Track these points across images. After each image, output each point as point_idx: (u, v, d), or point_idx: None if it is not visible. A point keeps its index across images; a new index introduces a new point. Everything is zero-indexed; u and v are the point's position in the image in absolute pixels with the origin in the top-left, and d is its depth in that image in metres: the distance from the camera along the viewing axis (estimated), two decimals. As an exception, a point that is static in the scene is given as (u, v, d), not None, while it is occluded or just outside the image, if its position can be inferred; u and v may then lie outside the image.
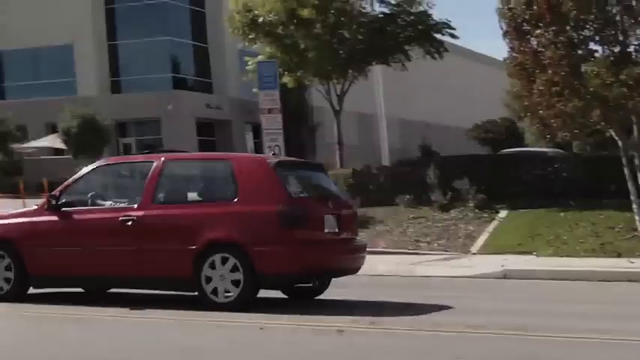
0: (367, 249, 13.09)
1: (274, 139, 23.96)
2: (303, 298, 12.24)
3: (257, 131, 48.13)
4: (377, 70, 36.32)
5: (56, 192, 12.36)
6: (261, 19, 29.10)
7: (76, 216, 12.03)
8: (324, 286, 12.37)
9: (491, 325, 9.88)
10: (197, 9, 57.01)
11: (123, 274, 11.76)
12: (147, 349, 8.97)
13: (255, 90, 26.11)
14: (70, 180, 12.66)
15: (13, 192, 38.87)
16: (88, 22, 53.97)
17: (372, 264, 14.89)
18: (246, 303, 10.92)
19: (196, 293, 11.27)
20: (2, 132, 47.93)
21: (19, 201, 31.56)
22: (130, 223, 11.49)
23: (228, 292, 11.01)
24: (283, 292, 12.24)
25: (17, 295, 12.11)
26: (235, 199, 11.25)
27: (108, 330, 10.19)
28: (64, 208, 12.10)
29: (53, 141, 50.13)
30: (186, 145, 51.83)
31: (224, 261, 11.03)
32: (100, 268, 11.84)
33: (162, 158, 12.02)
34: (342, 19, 29.49)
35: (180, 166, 12.41)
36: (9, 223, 12.60)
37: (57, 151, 51.13)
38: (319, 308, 11.49)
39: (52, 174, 40.16)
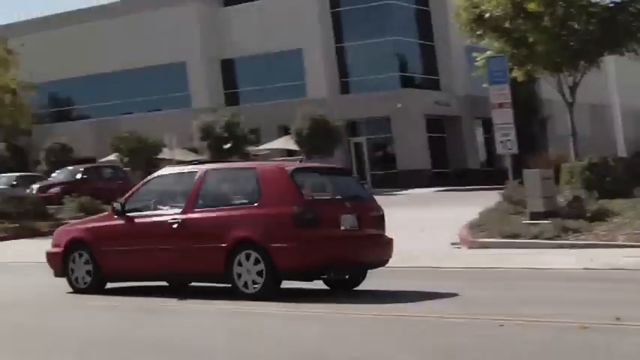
0: (607, 242, 12.90)
1: (506, 133, 23.78)
2: (342, 289, 13.36)
3: (487, 126, 47.85)
4: (609, 61, 35.15)
5: (122, 200, 14.26)
6: (487, 15, 28.84)
7: (136, 220, 13.89)
8: (360, 278, 13.46)
9: None
10: (422, 8, 57.28)
11: (172, 270, 13.54)
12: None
13: (485, 85, 25.94)
14: (133, 189, 14.70)
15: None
16: (316, 27, 55.40)
17: (611, 257, 14.47)
18: (270, 293, 12.36)
19: (230, 285, 12.78)
20: (237, 135, 49.89)
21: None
22: (175, 225, 13.27)
23: (256, 283, 12.46)
24: (325, 284, 13.43)
25: (96, 287, 14.09)
26: (258, 203, 12.77)
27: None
28: (127, 214, 13.94)
29: (285, 142, 51.70)
30: (416, 142, 52.51)
31: (248, 257, 12.51)
32: (155, 264, 13.63)
33: (204, 169, 13.83)
34: (571, 10, 28.75)
35: (217, 175, 13.87)
36: (84, 227, 14.76)
37: (290, 153, 52.73)
38: (352, 297, 12.80)
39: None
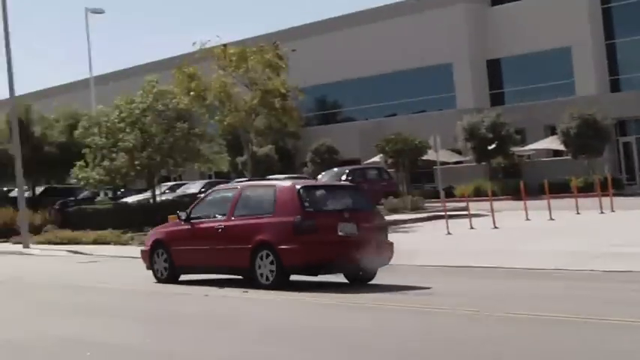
0: None
1: None
2: (360, 283, 16.19)
3: None
4: None
5: (188, 210, 18.11)
6: None
7: (196, 225, 17.56)
8: (372, 275, 16.37)
9: None
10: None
11: (218, 264, 17.00)
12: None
13: None
14: (197, 201, 19.02)
15: (514, 194, 39.68)
16: (586, 24, 53.53)
17: None
18: (280, 284, 15.50)
19: (253, 278, 16.03)
20: (503, 136, 49.16)
21: (519, 202, 32.08)
22: (220, 230, 16.84)
23: (270, 276, 15.71)
24: (346, 279, 16.47)
25: (170, 279, 17.78)
26: (274, 213, 16.09)
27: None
28: (191, 220, 17.71)
29: (551, 143, 50.37)
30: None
31: (265, 255, 15.79)
32: (207, 259, 17.13)
33: (242, 186, 17.87)
34: None
35: (250, 191, 17.30)
36: (163, 231, 18.77)
37: (556, 153, 51.31)
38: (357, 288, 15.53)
39: (551, 175, 40.38)
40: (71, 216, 39.31)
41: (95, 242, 32.30)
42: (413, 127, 51.26)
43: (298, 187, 16.26)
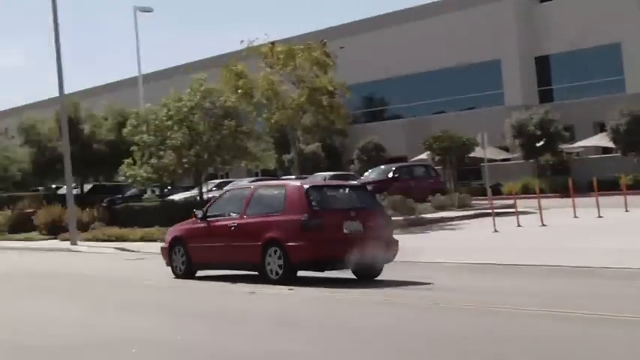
0: None
1: None
2: (366, 278, 16.73)
3: None
4: None
5: (204, 208, 19.07)
6: None
7: (211, 224, 18.33)
8: (378, 271, 16.87)
9: None
10: None
11: (231, 260, 17.73)
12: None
13: None
14: (212, 200, 19.97)
15: (562, 191, 39.30)
16: (636, 19, 52.83)
17: None
18: (288, 279, 16.16)
19: (263, 273, 16.78)
20: (551, 133, 48.74)
21: (567, 200, 31.77)
22: (233, 228, 17.60)
23: (279, 271, 16.41)
24: (354, 274, 16.89)
25: (186, 275, 18.54)
26: (283, 212, 16.77)
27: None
28: (207, 219, 18.45)
29: (600, 140, 49.84)
30: None
31: (274, 252, 16.51)
32: (221, 256, 17.86)
33: (254, 185, 19.12)
34: None
35: (262, 191, 18.24)
36: (181, 228, 19.47)
37: (605, 150, 50.74)
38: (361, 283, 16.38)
39: (600, 172, 39.93)
40: (119, 213, 39.66)
41: (142, 239, 32.55)
42: (460, 125, 51.02)
43: (306, 187, 17.16)
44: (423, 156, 51.73)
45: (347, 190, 18.46)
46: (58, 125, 42.57)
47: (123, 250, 30.15)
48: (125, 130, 40.52)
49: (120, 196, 47.64)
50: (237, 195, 18.72)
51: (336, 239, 16.22)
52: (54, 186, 59.15)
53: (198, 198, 40.54)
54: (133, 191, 47.61)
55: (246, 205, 17.64)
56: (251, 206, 17.54)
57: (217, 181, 48.55)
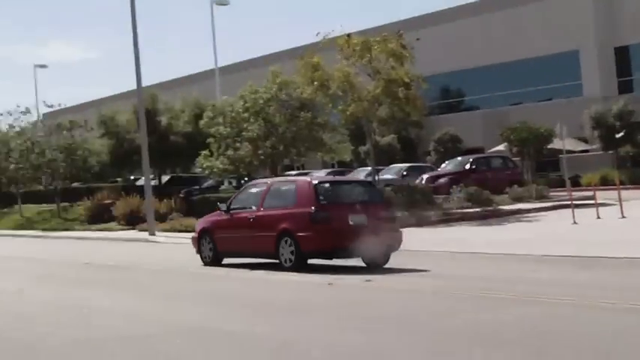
0: None
1: None
2: (375, 267, 17.98)
3: None
4: None
5: (228, 202, 20.79)
6: None
7: (234, 216, 20.09)
8: (386, 259, 18.29)
9: None
10: None
11: (250, 249, 19.42)
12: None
13: None
14: (235, 194, 22.25)
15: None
16: None
17: None
18: (299, 267, 17.70)
19: (276, 261, 18.36)
20: (631, 124, 47.86)
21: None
22: (251, 220, 19.31)
23: (290, 259, 17.94)
24: (364, 263, 18.22)
25: (213, 262, 20.29)
26: (294, 205, 18.38)
27: None
28: (230, 211, 20.25)
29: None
30: None
31: (286, 242, 18.02)
32: (242, 245, 19.59)
33: (271, 181, 20.76)
34: None
35: (277, 186, 19.77)
36: (209, 220, 21.26)
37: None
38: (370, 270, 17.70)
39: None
40: (195, 204, 40.03)
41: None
42: (538, 116, 50.30)
43: (315, 182, 18.83)
44: (501, 147, 51.14)
45: (353, 185, 20.69)
46: (135, 117, 43.16)
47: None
48: (202, 122, 40.96)
49: (197, 187, 48.12)
50: (256, 190, 20.28)
51: (342, 230, 17.71)
52: (132, 177, 60.08)
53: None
54: (209, 182, 48.04)
55: (262, 199, 19.38)
56: (267, 200, 19.26)
57: (293, 172, 48.68)
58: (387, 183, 38.17)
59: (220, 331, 10.62)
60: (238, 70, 65.45)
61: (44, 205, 52.50)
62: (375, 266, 18.00)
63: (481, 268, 17.46)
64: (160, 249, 28.34)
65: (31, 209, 52.31)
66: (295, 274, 17.07)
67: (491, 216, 31.67)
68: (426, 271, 16.53)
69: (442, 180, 38.85)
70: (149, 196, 35.43)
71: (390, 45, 34.57)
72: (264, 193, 19.49)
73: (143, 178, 39.06)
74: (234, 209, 20.21)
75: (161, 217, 37.13)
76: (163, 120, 50.35)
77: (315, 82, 35.23)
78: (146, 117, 37.44)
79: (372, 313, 11.63)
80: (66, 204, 49.20)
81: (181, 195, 44.01)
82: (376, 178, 38.03)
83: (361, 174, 43.16)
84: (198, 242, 20.98)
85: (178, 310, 12.84)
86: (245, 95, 38.55)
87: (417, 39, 36.00)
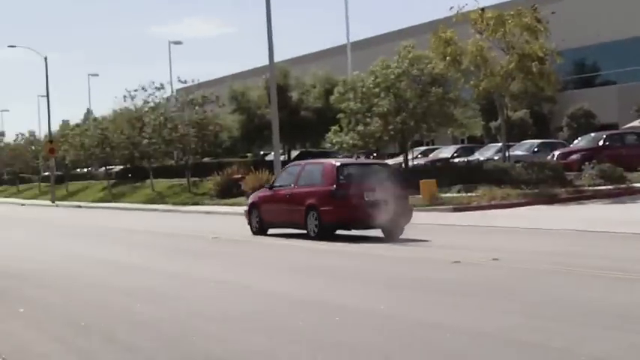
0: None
1: None
2: (391, 238, 20.24)
3: None
4: None
5: (272, 180, 24.81)
6: None
7: (275, 192, 22.96)
8: (400, 232, 20.46)
9: None
10: None
11: (286, 220, 22.34)
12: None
13: None
14: (279, 173, 25.95)
15: None
16: None
17: None
18: (323, 237, 20.46)
19: (305, 231, 21.20)
20: None
21: None
22: (287, 196, 22.18)
23: (315, 230, 20.84)
24: (383, 234, 20.63)
25: (260, 232, 23.12)
26: (320, 184, 21.28)
27: None
28: (273, 188, 23.29)
29: None
30: None
31: (312, 215, 20.96)
32: (280, 217, 22.53)
33: (305, 162, 24.28)
34: None
35: (309, 167, 22.77)
36: (256, 195, 24.35)
37: None
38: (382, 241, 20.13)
39: None
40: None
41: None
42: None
43: (337, 164, 21.63)
44: (636, 123, 49.53)
45: (371, 166, 23.25)
46: (267, 93, 43.61)
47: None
48: (332, 98, 41.06)
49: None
50: (293, 170, 23.34)
51: (358, 205, 20.30)
52: (262, 152, 60.78)
53: (403, 165, 40.60)
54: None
55: (297, 178, 22.35)
56: (300, 179, 22.19)
57: (422, 148, 48.40)
58: (518, 159, 37.49)
59: (333, 304, 10.59)
60: (370, 45, 65.15)
61: (175, 179, 53.57)
62: (391, 238, 20.21)
63: (614, 247, 16.92)
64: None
65: (162, 184, 53.49)
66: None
67: (624, 194, 30.78)
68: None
69: (574, 156, 37.91)
70: (278, 171, 35.70)
71: (524, 19, 33.91)
72: (299, 173, 22.55)
73: (273, 153, 39.43)
74: (275, 186, 23.26)
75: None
76: (294, 95, 50.77)
77: (448, 57, 34.86)
78: (277, 92, 37.74)
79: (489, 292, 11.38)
80: (196, 179, 50.11)
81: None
82: (507, 154, 37.43)
83: (491, 150, 42.53)
84: (248, 215, 23.89)
85: (307, 285, 12.85)
86: (376, 70, 38.43)
87: (552, 12, 35.18)
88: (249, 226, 23.59)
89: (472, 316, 9.64)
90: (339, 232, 21.02)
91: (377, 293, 11.68)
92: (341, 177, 20.98)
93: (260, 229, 23.19)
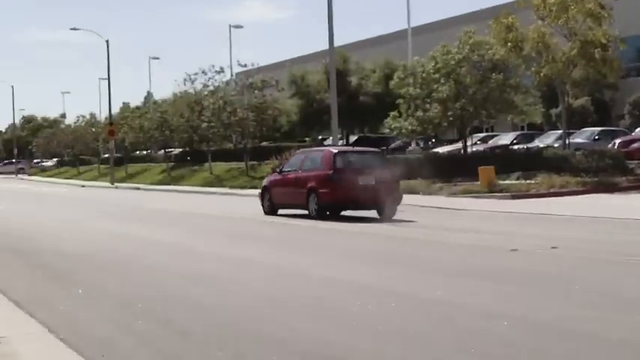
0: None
1: None
2: (387, 218, 22.65)
3: None
4: None
5: (281, 165, 27.53)
6: None
7: (284, 176, 25.23)
8: (392, 213, 22.99)
9: None
10: None
11: (292, 202, 24.53)
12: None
13: None
14: (286, 160, 28.35)
15: None
16: None
17: None
18: (321, 216, 22.79)
19: (307, 212, 23.49)
20: None
21: None
22: (293, 179, 24.47)
23: (315, 210, 23.11)
24: (378, 215, 23.02)
25: (271, 212, 25.15)
26: (320, 169, 23.60)
27: None
28: (282, 172, 25.60)
29: None
30: None
31: (312, 196, 23.24)
32: (287, 199, 24.74)
33: (308, 150, 28.16)
34: None
35: (311, 154, 25.47)
36: (268, 179, 26.62)
37: None
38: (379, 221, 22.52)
39: None
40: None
41: (403, 192, 32.63)
42: None
43: (335, 151, 24.36)
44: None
45: (366, 154, 25.33)
46: (326, 77, 43.57)
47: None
48: (392, 83, 40.90)
49: (384, 147, 48.24)
50: (299, 157, 25.88)
51: (352, 188, 22.64)
52: (320, 137, 60.79)
53: (462, 151, 40.32)
54: (397, 143, 48.01)
55: (301, 163, 24.85)
56: (304, 165, 24.66)
57: (481, 134, 48.00)
58: (578, 147, 36.99)
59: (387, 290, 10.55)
60: (431, 30, 64.58)
61: (233, 163, 53.86)
62: (385, 218, 22.60)
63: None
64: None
65: (220, 167, 53.80)
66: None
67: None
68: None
69: (636, 145, 37.33)
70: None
71: (587, 5, 33.49)
72: (303, 159, 25.15)
73: (331, 138, 39.38)
74: (284, 171, 25.66)
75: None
76: (353, 80, 50.65)
77: (509, 43, 34.52)
78: (337, 77, 37.69)
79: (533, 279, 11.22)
80: (254, 162, 50.33)
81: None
82: (567, 141, 36.95)
83: (551, 137, 42.00)
84: (261, 197, 26.07)
85: (354, 271, 12.81)
86: (437, 56, 38.19)
87: (615, -1, 34.63)
88: (261, 207, 25.73)
89: (530, 305, 9.57)
90: (348, 213, 23.77)
91: (431, 280, 11.61)
92: (338, 163, 23.45)
93: (270, 209, 25.34)
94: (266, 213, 25.32)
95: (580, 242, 15.83)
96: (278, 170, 26.34)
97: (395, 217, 22.54)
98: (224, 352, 7.57)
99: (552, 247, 14.69)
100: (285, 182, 24.93)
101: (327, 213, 23.04)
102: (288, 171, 25.32)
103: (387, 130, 43.17)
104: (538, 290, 10.62)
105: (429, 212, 25.48)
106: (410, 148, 47.17)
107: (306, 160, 24.86)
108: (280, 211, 25.14)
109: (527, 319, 8.72)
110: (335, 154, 23.79)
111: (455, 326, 8.50)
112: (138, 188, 52.88)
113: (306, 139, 61.03)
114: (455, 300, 9.88)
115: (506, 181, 32.14)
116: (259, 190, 26.88)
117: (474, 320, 8.77)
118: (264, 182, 26.76)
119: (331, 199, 22.94)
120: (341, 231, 19.92)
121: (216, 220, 24.87)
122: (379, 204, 22.86)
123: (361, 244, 17.11)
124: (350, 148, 29.53)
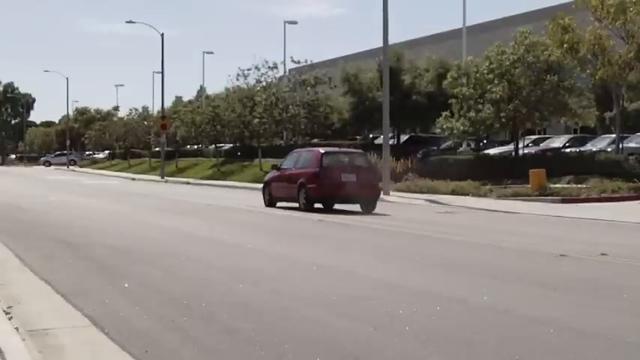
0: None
1: None
2: (366, 211, 25.55)
3: None
4: None
5: (280, 163, 29.40)
6: None
7: (281, 173, 27.98)
8: (372, 207, 25.81)
9: None
10: None
11: (286, 196, 27.27)
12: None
13: None
14: (285, 157, 29.78)
15: None
16: None
17: None
18: (309, 209, 25.57)
19: (297, 205, 26.26)
20: None
21: None
22: (288, 175, 27.33)
23: (304, 204, 25.85)
24: (361, 208, 25.64)
25: (270, 205, 27.80)
26: (310, 166, 26.38)
27: None
28: (280, 170, 28.29)
29: None
30: None
31: (302, 191, 26.00)
32: (282, 193, 27.52)
33: (302, 150, 30.38)
34: None
35: (304, 154, 28.24)
36: (269, 176, 29.33)
37: None
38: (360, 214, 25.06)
39: None
40: (432, 165, 39.90)
41: (453, 193, 32.57)
42: None
43: (322, 152, 27.35)
44: None
45: (350, 154, 28.51)
46: (379, 75, 43.34)
47: (433, 202, 30.30)
48: (445, 82, 40.62)
49: (435, 148, 47.94)
50: (294, 156, 28.59)
51: (336, 184, 25.55)
52: (371, 135, 60.58)
53: (513, 153, 39.94)
54: (448, 144, 47.66)
55: (295, 162, 27.67)
56: (298, 163, 27.44)
57: (533, 137, 47.48)
58: (631, 152, 36.42)
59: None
60: (486, 30, 64.04)
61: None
62: (366, 212, 25.31)
63: None
64: (391, 209, 28.21)
65: (270, 163, 53.65)
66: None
67: None
68: None
69: None
70: (387, 155, 35.57)
71: (646, 7, 32.96)
72: (297, 158, 27.95)
73: (382, 136, 39.21)
74: (281, 168, 28.35)
75: (396, 177, 37.25)
76: (407, 79, 50.36)
77: (565, 45, 34.13)
78: (390, 75, 37.51)
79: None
80: (305, 159, 50.17)
81: (419, 155, 43.90)
82: (620, 146, 36.42)
83: (604, 141, 41.41)
84: (263, 191, 29.03)
85: (410, 276, 12.72)
86: (491, 56, 37.86)
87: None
88: (263, 200, 28.55)
89: (577, 312, 9.35)
90: (347, 208, 26.00)
91: (474, 282, 11.46)
92: (324, 162, 26.30)
93: (270, 203, 28.12)
94: (266, 205, 28.09)
95: (630, 249, 15.50)
96: (277, 168, 28.93)
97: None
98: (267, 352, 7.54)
99: (602, 254, 14.40)
100: (282, 178, 27.80)
101: (314, 206, 25.93)
102: (285, 168, 28.09)
103: (439, 130, 42.89)
104: (586, 297, 10.40)
105: (476, 214, 25.24)
106: (461, 149, 46.83)
107: (300, 159, 27.79)
108: (278, 204, 27.93)
109: (574, 327, 8.52)
110: (322, 154, 26.83)
111: (500, 332, 8.37)
112: (188, 183, 53.16)
113: (357, 137, 60.85)
114: (501, 305, 9.73)
115: (557, 185, 31.76)
116: (262, 186, 29.77)
117: (520, 326, 8.61)
118: (266, 178, 29.86)
119: (317, 193, 25.83)
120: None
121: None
122: (360, 198, 25.60)
123: (414, 248, 16.95)
124: (336, 149, 32.03)
